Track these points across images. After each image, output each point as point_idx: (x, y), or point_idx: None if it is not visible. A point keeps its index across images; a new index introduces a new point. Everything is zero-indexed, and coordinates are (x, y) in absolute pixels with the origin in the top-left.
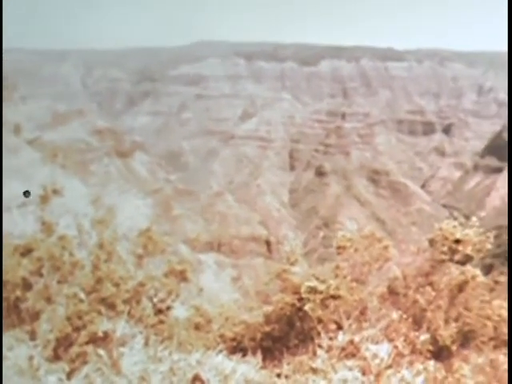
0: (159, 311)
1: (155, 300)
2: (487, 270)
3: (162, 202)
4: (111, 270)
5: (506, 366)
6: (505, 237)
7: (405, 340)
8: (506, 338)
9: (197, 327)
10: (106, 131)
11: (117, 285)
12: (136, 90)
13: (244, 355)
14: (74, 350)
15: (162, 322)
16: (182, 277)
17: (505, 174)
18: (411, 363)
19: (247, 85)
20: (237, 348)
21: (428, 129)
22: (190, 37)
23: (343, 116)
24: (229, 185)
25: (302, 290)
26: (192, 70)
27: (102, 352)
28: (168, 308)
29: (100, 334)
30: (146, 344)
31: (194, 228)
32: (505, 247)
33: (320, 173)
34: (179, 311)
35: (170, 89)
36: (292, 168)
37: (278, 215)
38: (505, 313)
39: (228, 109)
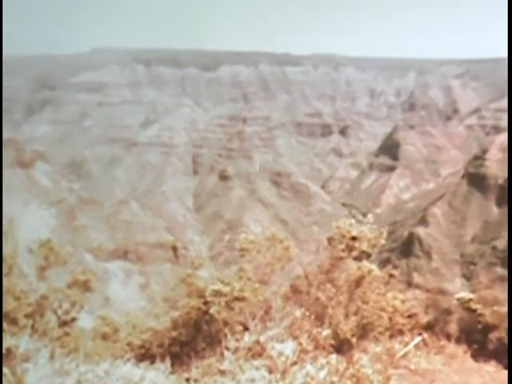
0: (64, 323)
1: (59, 312)
2: (384, 264)
3: (65, 211)
4: (12, 284)
5: (401, 353)
6: (399, 232)
7: (308, 336)
8: (401, 327)
9: (104, 337)
10: (6, 141)
11: (18, 299)
12: (35, 98)
13: (152, 362)
14: None
15: (67, 334)
16: (86, 287)
17: (397, 172)
18: (315, 358)
19: (148, 91)
20: (145, 355)
21: (325, 131)
22: (89, 44)
23: (244, 120)
24: (133, 192)
25: (207, 293)
26: (92, 78)
27: (5, 370)
28: (73, 319)
29: (3, 350)
30: (52, 358)
31: (99, 237)
32: (400, 242)
33: (223, 177)
34: (85, 322)
35: (70, 97)
36: (195, 173)
37: (183, 220)
38: (398, 304)
39: (130, 116)
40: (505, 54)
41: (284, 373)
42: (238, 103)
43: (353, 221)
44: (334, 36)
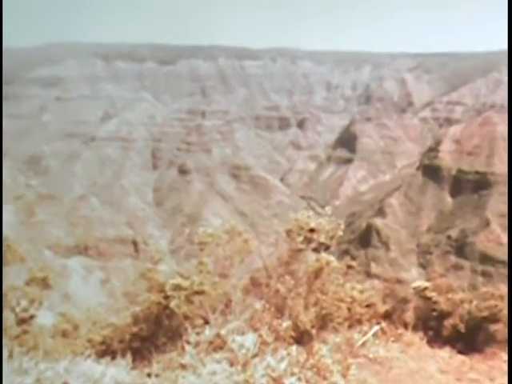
0: (22, 321)
1: (17, 310)
2: (343, 255)
3: (24, 208)
4: None
5: (360, 342)
6: (358, 223)
7: (269, 328)
8: (359, 317)
9: (64, 334)
10: None
11: None
12: None
13: (113, 358)
14: None
15: (25, 332)
16: (45, 284)
17: (355, 164)
18: (275, 350)
19: (106, 86)
20: (106, 351)
21: (284, 124)
22: (46, 38)
23: (203, 114)
24: (92, 187)
25: (167, 287)
26: (50, 72)
27: None
28: (31, 317)
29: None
30: (10, 356)
31: (58, 233)
32: (358, 233)
33: (183, 171)
34: (44, 319)
35: (28, 91)
36: (155, 167)
37: (143, 215)
38: (357, 294)
39: (88, 110)
40: (457, 48)
41: (245, 365)
42: (197, 97)
43: (311, 213)
44: (291, 30)
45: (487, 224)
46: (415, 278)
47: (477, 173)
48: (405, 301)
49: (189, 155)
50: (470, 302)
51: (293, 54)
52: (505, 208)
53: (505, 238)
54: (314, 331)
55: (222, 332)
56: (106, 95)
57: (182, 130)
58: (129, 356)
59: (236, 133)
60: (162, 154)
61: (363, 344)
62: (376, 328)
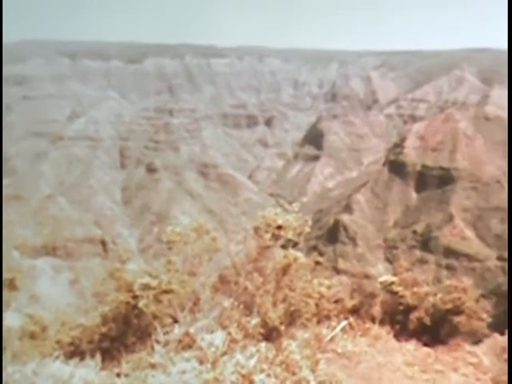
0: None
1: None
2: (312, 251)
3: None
4: None
5: (328, 337)
6: (325, 219)
7: (237, 326)
8: (327, 312)
9: (32, 335)
10: None
11: None
12: None
13: (82, 359)
14: None
15: None
16: (12, 285)
17: (322, 161)
18: (244, 347)
19: (73, 84)
20: (75, 352)
21: (251, 122)
22: (12, 36)
23: (170, 112)
24: (60, 187)
25: (136, 287)
26: (16, 71)
27: None
28: None
29: None
30: None
31: (26, 233)
32: (326, 229)
33: (151, 169)
34: (12, 321)
35: None
36: (123, 166)
37: (111, 214)
38: (324, 290)
39: (55, 109)
40: (419, 46)
41: (214, 363)
42: (164, 95)
43: (278, 210)
44: (258, 28)
45: (451, 219)
46: (382, 273)
47: (441, 168)
48: (372, 295)
49: (157, 154)
50: (435, 295)
51: (260, 52)
52: (468, 203)
53: (468, 232)
54: (282, 328)
55: (191, 330)
56: (72, 94)
57: (150, 129)
58: (98, 356)
59: (204, 131)
60: (129, 153)
61: (331, 339)
62: (344, 323)
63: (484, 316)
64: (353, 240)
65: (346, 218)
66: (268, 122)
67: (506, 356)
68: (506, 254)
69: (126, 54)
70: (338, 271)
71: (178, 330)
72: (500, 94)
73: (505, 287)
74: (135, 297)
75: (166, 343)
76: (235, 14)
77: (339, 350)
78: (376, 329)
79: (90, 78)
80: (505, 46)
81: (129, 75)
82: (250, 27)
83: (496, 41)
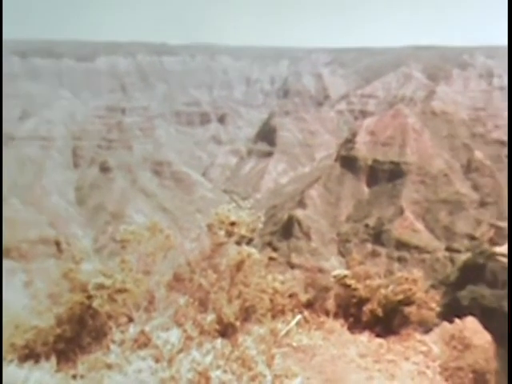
0: None
1: None
2: (267, 247)
3: None
4: None
5: (283, 332)
6: (280, 215)
7: (193, 323)
8: (282, 307)
9: None
10: None
11: None
12: None
13: (37, 361)
14: None
15: None
16: None
17: (275, 157)
18: (200, 344)
19: (24, 83)
20: (29, 355)
21: (204, 119)
22: None
23: (123, 111)
24: (13, 188)
25: (90, 287)
26: None
27: None
28: None
29: None
30: None
31: None
32: (280, 224)
33: (104, 168)
34: None
35: None
36: (76, 166)
37: (65, 214)
38: (278, 285)
39: (6, 109)
40: (367, 44)
41: (170, 361)
42: (117, 94)
43: (231, 206)
44: (210, 25)
45: (401, 212)
46: (335, 267)
47: (391, 162)
48: (326, 289)
49: (110, 153)
50: (387, 287)
51: (212, 49)
52: (417, 196)
53: (418, 225)
54: (237, 323)
55: (147, 329)
56: (23, 93)
57: (103, 128)
58: (53, 358)
59: (157, 129)
60: (82, 152)
61: (287, 333)
62: (298, 317)
63: (433, 305)
64: (306, 235)
65: (299, 213)
66: (221, 119)
67: (454, 343)
68: (454, 245)
69: (78, 53)
70: (292, 266)
71: (133, 329)
72: (445, 89)
73: (453, 277)
74: (89, 297)
75: (122, 342)
76: (186, 11)
77: (294, 344)
78: (330, 322)
79: (40, 77)
80: (450, 43)
81: (80, 74)
82: (202, 25)
83: (441, 38)
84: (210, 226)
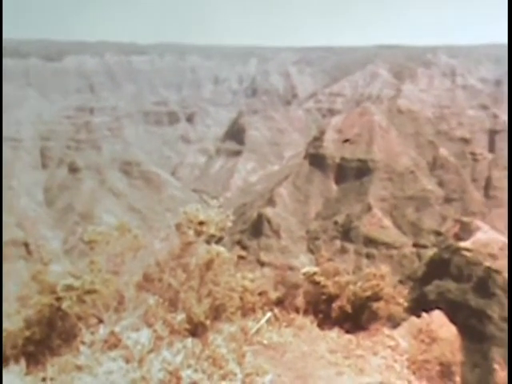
0: None
1: None
2: (237, 245)
3: None
4: None
5: (253, 330)
6: (249, 213)
7: (163, 323)
8: (252, 305)
9: None
10: None
11: None
12: None
13: (6, 365)
14: None
15: None
16: None
17: (244, 156)
18: (171, 344)
19: None
20: None
21: (173, 118)
22: None
23: (91, 111)
24: None
25: (59, 288)
26: None
27: None
28: None
29: None
30: None
31: None
32: (250, 223)
33: (73, 169)
34: None
35: None
36: (44, 166)
37: (34, 216)
38: (248, 283)
39: None
40: (334, 43)
41: (141, 361)
42: (85, 94)
43: (200, 206)
44: (178, 25)
45: (369, 209)
46: (305, 264)
47: (358, 160)
48: (295, 286)
49: (78, 153)
50: (355, 283)
51: (180, 49)
52: (384, 193)
53: (385, 221)
54: (208, 322)
55: (117, 330)
56: None
57: (71, 128)
58: (22, 361)
59: (125, 129)
60: (51, 153)
61: (257, 331)
62: (268, 315)
63: (401, 301)
64: (276, 233)
65: (269, 211)
66: (189, 119)
67: (421, 337)
68: (421, 241)
69: (45, 52)
70: (261, 264)
71: (103, 330)
72: (410, 88)
73: (420, 272)
74: (59, 298)
75: (92, 344)
76: (155, 11)
77: (265, 342)
78: (300, 319)
79: (8, 77)
80: (417, 42)
81: (48, 73)
82: (170, 24)
83: (407, 37)
84: (178, 226)
